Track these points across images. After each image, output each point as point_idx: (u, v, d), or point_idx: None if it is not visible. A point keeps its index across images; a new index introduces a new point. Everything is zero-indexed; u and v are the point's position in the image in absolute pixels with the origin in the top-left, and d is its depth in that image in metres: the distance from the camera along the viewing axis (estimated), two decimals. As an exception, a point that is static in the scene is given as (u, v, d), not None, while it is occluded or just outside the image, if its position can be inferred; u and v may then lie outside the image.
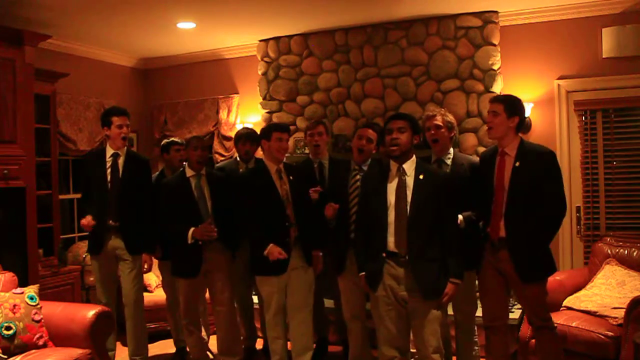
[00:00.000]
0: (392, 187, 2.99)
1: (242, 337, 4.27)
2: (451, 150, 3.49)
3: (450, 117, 3.50)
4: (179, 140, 4.38)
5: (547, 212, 3.01)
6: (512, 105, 3.10)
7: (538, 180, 2.99)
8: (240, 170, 4.16)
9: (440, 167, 3.43)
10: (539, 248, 3.05)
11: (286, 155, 3.74)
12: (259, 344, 4.50)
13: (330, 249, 3.66)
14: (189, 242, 3.65)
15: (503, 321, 3.23)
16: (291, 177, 3.62)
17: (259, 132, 4.02)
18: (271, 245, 3.45)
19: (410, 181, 2.96)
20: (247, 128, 4.58)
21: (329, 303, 4.35)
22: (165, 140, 4.48)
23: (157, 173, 4.46)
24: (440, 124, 3.42)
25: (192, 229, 3.64)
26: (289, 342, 3.71)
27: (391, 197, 2.97)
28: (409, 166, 2.99)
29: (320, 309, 4.23)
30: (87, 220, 3.80)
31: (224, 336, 3.90)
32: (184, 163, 3.93)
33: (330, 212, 3.54)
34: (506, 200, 3.05)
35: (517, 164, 3.04)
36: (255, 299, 4.43)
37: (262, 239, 3.50)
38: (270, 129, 3.63)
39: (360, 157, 3.60)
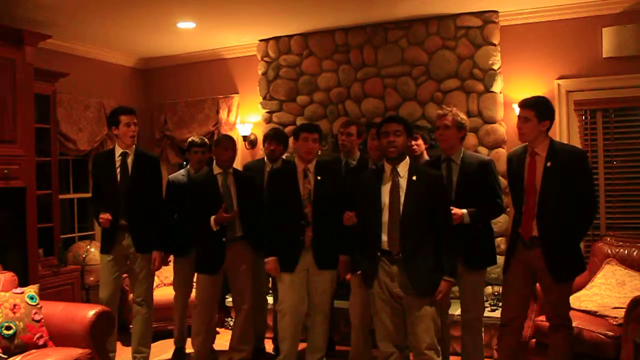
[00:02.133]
0: (386, 189, 3.05)
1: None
2: (462, 149, 3.46)
3: (462, 117, 3.45)
4: (198, 141, 4.37)
5: (580, 211, 3.02)
6: (543, 109, 3.08)
7: (569, 180, 3.00)
8: (267, 169, 4.19)
9: (449, 166, 3.42)
10: (571, 247, 3.07)
11: (312, 155, 3.66)
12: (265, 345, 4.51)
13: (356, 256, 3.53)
14: (215, 229, 3.72)
15: (520, 321, 3.25)
16: (319, 177, 3.61)
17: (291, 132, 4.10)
18: (274, 259, 3.56)
19: (403, 182, 3.02)
20: (275, 128, 4.64)
21: (339, 304, 4.35)
22: (189, 140, 4.46)
23: (182, 171, 4.45)
24: (449, 124, 3.38)
25: (212, 217, 3.71)
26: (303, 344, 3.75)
27: (385, 198, 3.03)
28: (403, 168, 3.05)
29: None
30: (107, 215, 3.80)
31: (237, 333, 3.97)
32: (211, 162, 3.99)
33: (349, 222, 3.34)
34: (538, 201, 3.06)
35: (549, 164, 3.04)
36: (269, 299, 4.49)
37: (272, 241, 3.58)
38: (299, 129, 3.68)
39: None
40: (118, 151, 3.94)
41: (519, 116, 3.16)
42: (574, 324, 3.46)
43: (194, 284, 4.17)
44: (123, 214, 3.86)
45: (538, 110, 3.07)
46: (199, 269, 3.93)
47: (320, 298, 3.63)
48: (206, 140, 4.45)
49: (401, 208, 2.98)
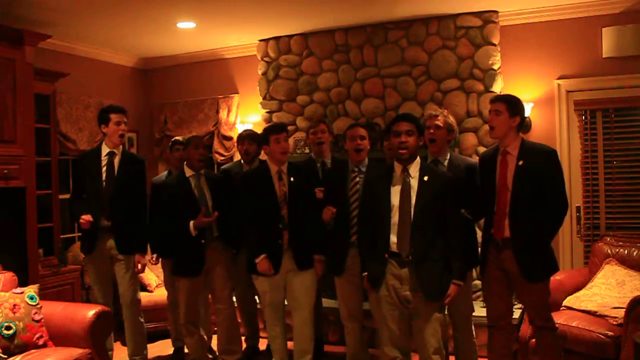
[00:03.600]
0: (396, 189, 2.98)
1: (243, 337, 4.28)
2: (448, 151, 3.49)
3: (452, 120, 3.49)
4: (181, 140, 4.39)
5: (550, 211, 3.02)
6: (514, 104, 3.10)
7: (541, 178, 3.00)
8: (245, 171, 4.16)
9: (436, 167, 3.42)
10: (543, 247, 3.06)
11: (287, 154, 3.69)
12: (261, 344, 4.50)
13: (328, 251, 3.64)
14: (194, 234, 3.69)
15: (507, 321, 3.23)
16: (292, 179, 3.60)
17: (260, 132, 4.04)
18: (264, 257, 3.50)
19: (414, 183, 2.96)
20: (247, 129, 4.63)
21: (331, 303, 4.34)
22: (172, 140, 4.49)
23: (165, 173, 4.46)
24: (441, 124, 3.40)
25: (191, 222, 3.67)
26: (290, 342, 3.72)
27: (395, 199, 2.96)
28: (414, 168, 2.99)
29: (316, 309, 4.24)
30: (88, 217, 3.77)
31: (224, 334, 3.93)
32: (184, 163, 3.94)
33: (328, 217, 3.49)
34: (510, 200, 3.05)
35: (521, 162, 3.04)
36: (257, 298, 4.45)
37: (256, 243, 3.54)
38: (266, 133, 3.63)
39: (359, 157, 3.58)
40: (105, 150, 3.91)
41: (490, 110, 3.17)
42: (574, 324, 3.48)
43: None
44: (105, 214, 3.83)
45: (509, 104, 3.09)
46: (180, 272, 3.83)
47: (303, 298, 3.58)
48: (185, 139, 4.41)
49: (412, 209, 2.92)
